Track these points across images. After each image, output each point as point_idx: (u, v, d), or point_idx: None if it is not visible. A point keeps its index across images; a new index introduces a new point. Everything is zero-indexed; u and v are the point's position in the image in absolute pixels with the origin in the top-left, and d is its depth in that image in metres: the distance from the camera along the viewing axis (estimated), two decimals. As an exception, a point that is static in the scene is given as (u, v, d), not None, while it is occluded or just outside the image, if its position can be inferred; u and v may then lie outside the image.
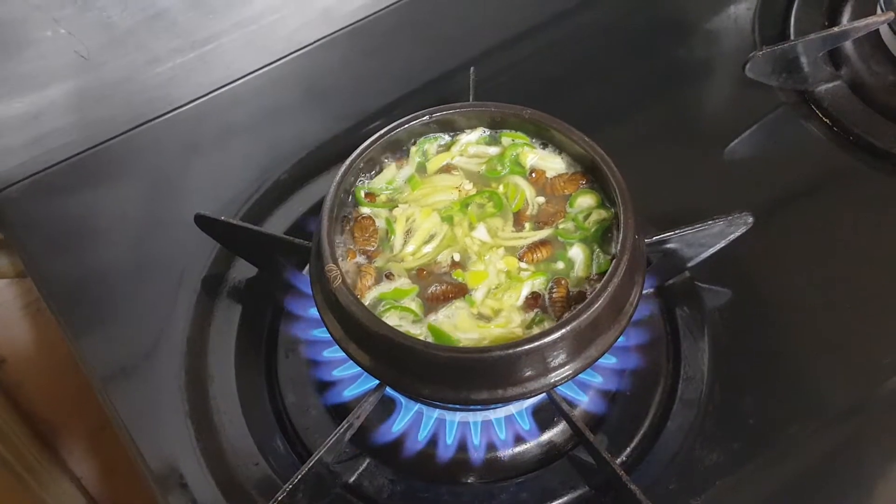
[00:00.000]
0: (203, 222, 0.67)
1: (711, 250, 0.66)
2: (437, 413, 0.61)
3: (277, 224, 0.73)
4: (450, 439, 0.60)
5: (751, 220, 0.64)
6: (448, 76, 0.81)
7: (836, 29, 0.76)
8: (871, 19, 0.75)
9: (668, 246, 0.64)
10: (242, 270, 0.71)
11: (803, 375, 0.64)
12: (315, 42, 0.86)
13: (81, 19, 0.73)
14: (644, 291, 0.57)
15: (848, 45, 0.78)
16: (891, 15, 0.74)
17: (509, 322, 0.54)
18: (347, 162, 0.59)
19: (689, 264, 0.67)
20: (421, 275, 0.57)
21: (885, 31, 0.77)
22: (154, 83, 0.80)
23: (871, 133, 0.75)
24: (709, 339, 0.65)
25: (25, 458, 0.90)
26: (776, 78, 0.77)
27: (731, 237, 0.65)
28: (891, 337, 0.65)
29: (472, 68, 0.74)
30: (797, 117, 0.78)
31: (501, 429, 0.60)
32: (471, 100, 0.71)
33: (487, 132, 0.63)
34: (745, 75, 0.75)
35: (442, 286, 0.56)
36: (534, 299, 0.55)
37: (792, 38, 0.81)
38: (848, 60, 0.78)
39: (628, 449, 0.61)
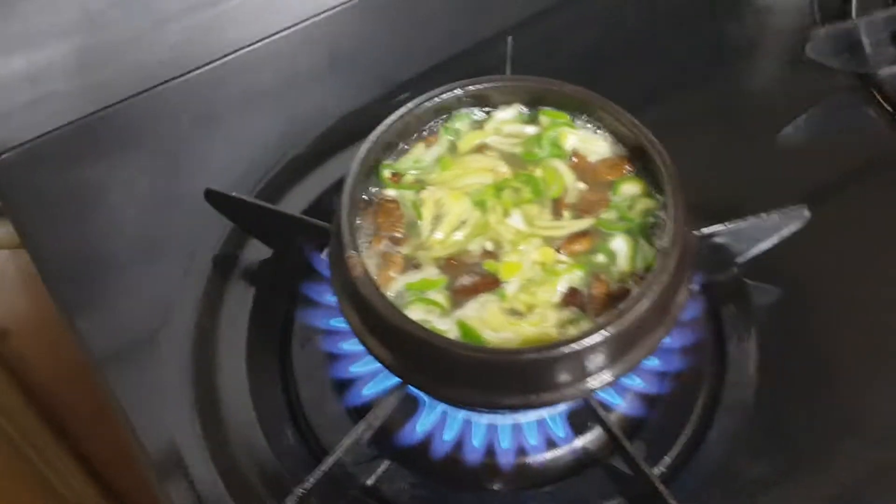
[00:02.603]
0: (214, 198, 0.65)
1: (763, 246, 0.62)
2: (463, 414, 0.58)
3: (295, 202, 0.70)
4: (476, 442, 0.57)
5: (807, 213, 0.61)
6: (483, 46, 0.78)
7: (902, 8, 0.72)
8: (942, -2, 0.71)
9: (717, 240, 0.61)
10: (256, 251, 0.68)
11: (860, 385, 0.60)
12: (341, 4, 0.82)
13: (88, -27, 0.70)
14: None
15: (915, 26, 0.74)
16: (964, -6, 0.70)
17: (543, 320, 0.51)
18: (371, 138, 0.56)
19: (738, 260, 0.63)
20: (450, 264, 0.53)
21: (956, 11, 0.72)
22: (165, 45, 0.77)
23: (937, 121, 0.71)
24: (757, 341, 0.62)
25: (29, 433, 0.89)
26: (836, 59, 0.73)
27: (786, 232, 0.61)
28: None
29: (509, 38, 0.71)
30: (857, 102, 0.74)
31: (532, 433, 0.57)
32: (507, 72, 0.68)
33: (525, 109, 0.59)
34: (801, 54, 0.72)
35: (472, 277, 0.52)
36: (571, 295, 0.52)
37: (854, 16, 0.77)
38: (914, 42, 0.74)
39: (667, 458, 0.58)
